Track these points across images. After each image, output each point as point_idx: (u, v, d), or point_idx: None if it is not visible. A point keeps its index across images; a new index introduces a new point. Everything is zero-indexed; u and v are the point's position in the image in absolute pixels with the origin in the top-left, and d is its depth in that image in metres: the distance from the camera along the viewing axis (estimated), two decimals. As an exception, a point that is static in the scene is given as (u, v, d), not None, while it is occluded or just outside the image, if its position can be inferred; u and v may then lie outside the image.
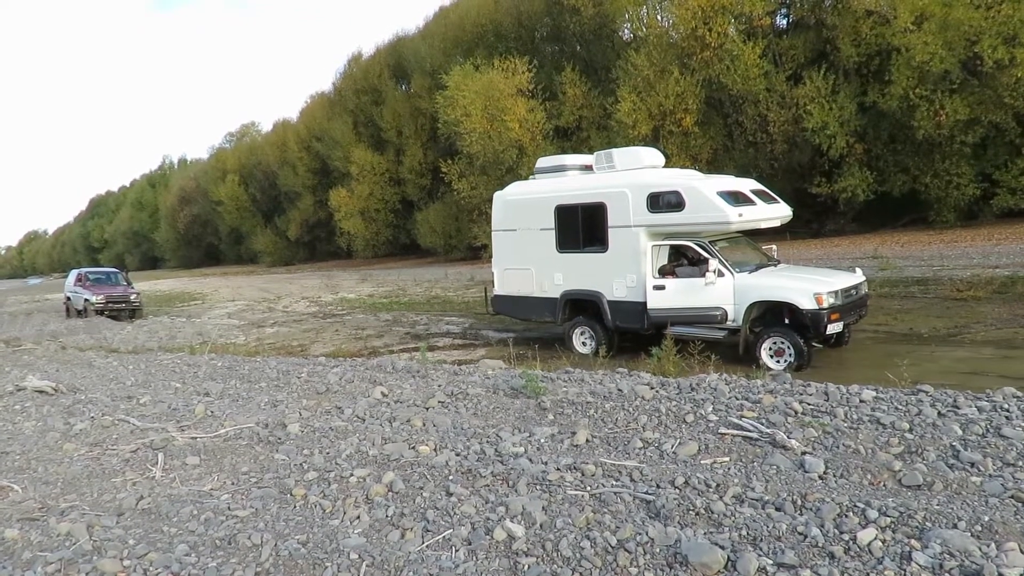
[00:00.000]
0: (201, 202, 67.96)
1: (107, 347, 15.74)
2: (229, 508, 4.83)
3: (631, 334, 10.72)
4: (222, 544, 4.26)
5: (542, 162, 12.44)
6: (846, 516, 3.85)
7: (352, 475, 5.18)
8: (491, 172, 31.48)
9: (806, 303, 8.72)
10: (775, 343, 9.06)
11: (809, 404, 5.96)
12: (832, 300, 8.76)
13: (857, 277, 9.69)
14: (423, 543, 4.11)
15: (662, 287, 9.94)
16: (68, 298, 26.06)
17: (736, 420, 5.67)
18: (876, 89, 23.25)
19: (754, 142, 26.05)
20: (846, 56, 23.90)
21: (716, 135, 27.25)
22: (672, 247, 10.35)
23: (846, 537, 3.65)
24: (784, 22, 29.52)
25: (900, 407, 5.76)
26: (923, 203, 24.34)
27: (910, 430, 5.22)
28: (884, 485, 4.39)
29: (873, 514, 3.81)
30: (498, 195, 12.59)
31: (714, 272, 9.38)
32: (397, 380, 8.69)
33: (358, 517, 4.55)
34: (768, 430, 5.33)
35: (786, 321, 9.10)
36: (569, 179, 11.63)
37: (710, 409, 6.04)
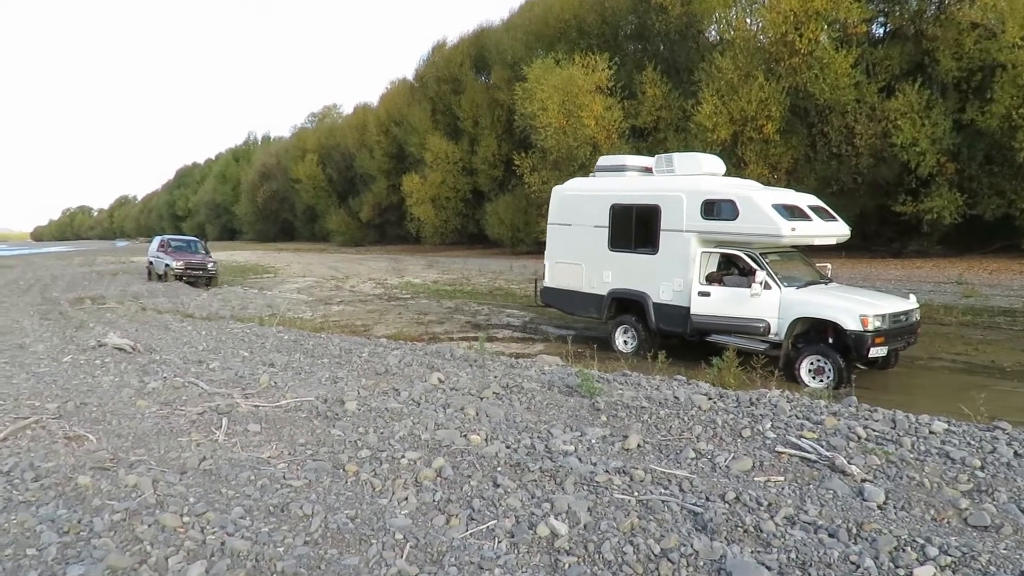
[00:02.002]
0: (280, 179, 70.01)
1: (183, 312, 16.46)
2: (284, 477, 5.00)
3: (677, 339, 10.80)
4: (275, 511, 4.41)
5: (603, 160, 12.61)
6: (904, 550, 3.70)
7: (404, 457, 5.28)
8: (564, 168, 31.33)
9: (851, 324, 8.62)
10: (815, 361, 8.98)
11: (874, 430, 5.74)
12: (878, 324, 8.62)
13: (909, 303, 9.50)
14: (467, 531, 4.16)
15: (707, 294, 9.95)
16: (151, 262, 27.35)
17: (795, 439, 5.52)
18: (975, 107, 22.04)
19: (838, 154, 25.08)
20: (945, 70, 22.75)
21: (798, 145, 26.37)
22: (723, 256, 10.32)
23: (902, 572, 3.51)
24: (881, 31, 28.27)
25: (973, 443, 5.49)
26: (1018, 229, 22.98)
27: (982, 468, 4.97)
28: (948, 522, 4.20)
29: (933, 551, 3.65)
30: (556, 189, 12.77)
31: (760, 284, 9.33)
32: (454, 368, 8.79)
33: (406, 498, 4.64)
34: (828, 453, 5.16)
35: (829, 340, 8.99)
36: (627, 179, 11.74)
37: (768, 425, 5.90)
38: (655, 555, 3.76)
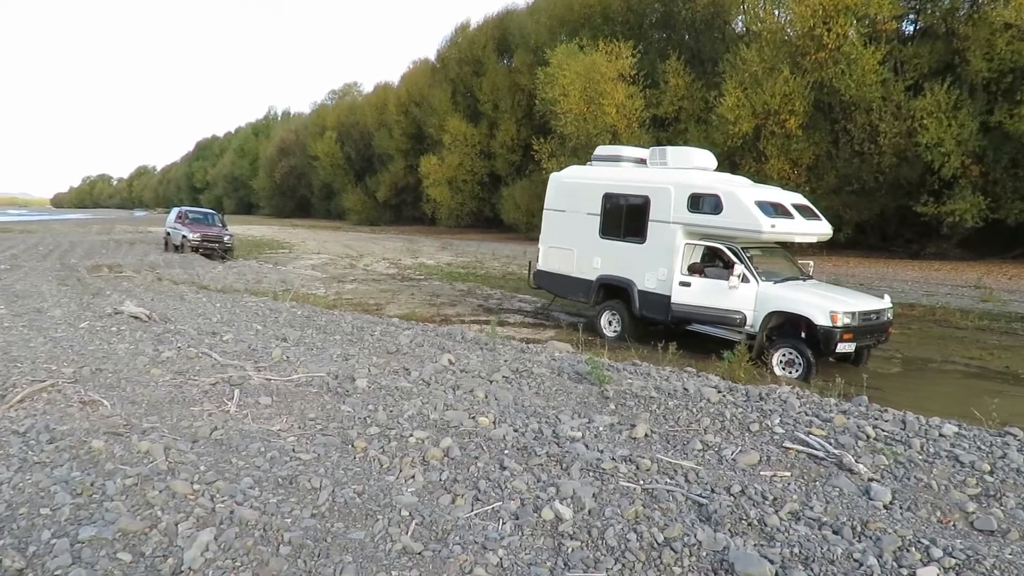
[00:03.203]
0: (298, 155, 70.14)
1: (198, 283, 16.60)
2: (294, 450, 5.06)
3: (658, 326, 11.32)
4: (284, 483, 4.47)
5: (600, 151, 13.02)
6: (908, 550, 3.70)
7: (412, 436, 5.32)
8: (582, 155, 31.10)
9: (821, 319, 8.98)
10: (787, 353, 9.32)
11: (883, 430, 5.72)
12: (847, 320, 8.95)
13: (882, 303, 9.81)
14: (472, 511, 4.20)
15: (688, 284, 10.34)
16: (168, 233, 27.57)
17: (803, 436, 5.51)
18: (1004, 109, 21.66)
19: (860, 152, 24.78)
20: (975, 70, 22.36)
21: (820, 141, 26.07)
22: (707, 248, 10.69)
23: (905, 572, 3.51)
24: (911, 28, 27.80)
25: (983, 447, 5.45)
26: (1040, 236, 22.71)
27: (991, 472, 4.94)
28: (954, 525, 4.19)
29: (937, 553, 3.65)
30: (554, 176, 13.27)
31: (738, 277, 9.71)
32: (465, 350, 8.83)
33: (413, 477, 4.69)
34: (836, 451, 5.16)
35: (802, 335, 9.31)
36: (622, 170, 12.09)
37: (777, 421, 5.89)
38: (658, 543, 3.78)
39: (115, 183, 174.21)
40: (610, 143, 28.48)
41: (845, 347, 9.01)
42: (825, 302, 9.17)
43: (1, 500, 4.08)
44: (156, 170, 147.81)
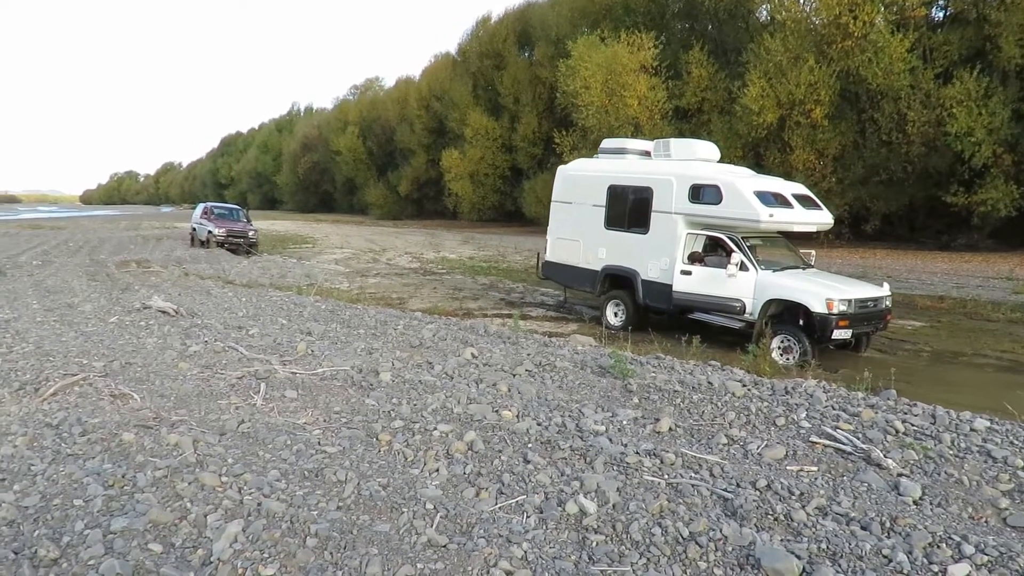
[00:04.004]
0: (321, 150, 70.60)
1: (224, 278, 16.80)
2: (319, 443, 5.11)
3: (663, 315, 11.52)
4: (310, 476, 4.51)
5: (606, 143, 13.20)
6: (938, 547, 3.64)
7: (436, 429, 5.35)
8: (604, 148, 31.04)
9: (817, 306, 9.11)
10: (784, 340, 9.45)
11: (913, 425, 5.64)
12: (843, 308, 9.10)
13: (880, 290, 9.92)
14: (496, 504, 4.21)
15: (689, 272, 10.55)
16: (194, 228, 27.93)
17: (830, 430, 5.44)
18: (1037, 96, 21.21)
19: (888, 142, 24.35)
20: (1007, 57, 21.85)
21: (847, 131, 25.66)
22: (708, 238, 10.84)
23: (936, 568, 3.46)
24: (940, 15, 27.23)
25: (1016, 442, 5.35)
26: (1075, 226, 22.18)
27: (1024, 468, 4.85)
28: (986, 522, 4.12)
29: (969, 549, 3.59)
30: (560, 168, 13.47)
31: (736, 265, 9.89)
32: (488, 344, 8.84)
33: (437, 470, 4.71)
34: (864, 445, 5.09)
35: (800, 322, 9.43)
36: (627, 162, 12.27)
37: (803, 415, 5.82)
38: (683, 538, 3.76)
39: (142, 179, 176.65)
40: (632, 135, 28.31)
41: (841, 334, 9.15)
42: (821, 290, 9.30)
43: (36, 491, 4.17)
44: (182, 166, 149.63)
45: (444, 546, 3.67)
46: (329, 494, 4.27)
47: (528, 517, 4.05)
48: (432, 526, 3.87)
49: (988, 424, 5.72)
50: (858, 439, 5.26)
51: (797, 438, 5.38)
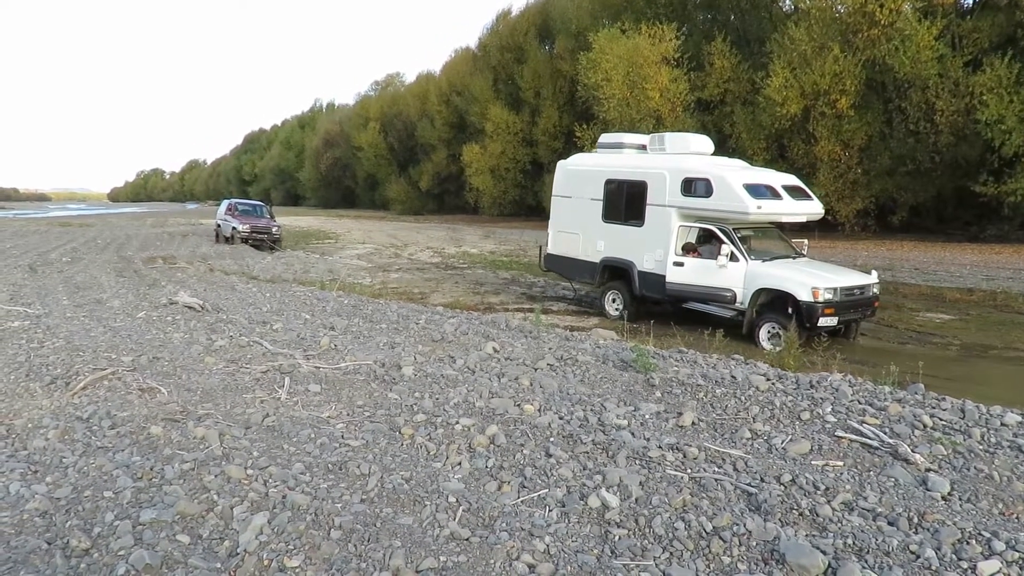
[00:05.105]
0: (343, 146, 70.97)
1: (248, 274, 16.99)
2: (343, 437, 5.15)
3: (658, 305, 11.94)
4: (334, 469, 4.56)
5: (604, 138, 13.63)
6: (968, 543, 3.58)
7: (458, 423, 5.36)
8: (625, 141, 30.84)
9: (803, 295, 9.46)
10: (772, 328, 9.86)
11: (941, 420, 5.54)
12: (829, 296, 9.43)
13: (867, 278, 10.24)
14: (518, 498, 4.22)
15: (681, 264, 10.91)
16: (218, 225, 28.26)
17: (856, 425, 5.37)
18: (1070, 83, 20.67)
19: (916, 131, 23.90)
20: (1039, 43, 21.36)
21: (873, 121, 25.23)
22: (701, 230, 11.05)
23: (965, 565, 3.40)
24: (969, 1, 26.64)
25: (1048, 437, 5.23)
26: (1109, 216, 21.62)
27: (1056, 463, 4.74)
28: (1017, 518, 4.04)
29: (1000, 546, 3.52)
30: (560, 163, 13.92)
31: (726, 256, 10.22)
32: (509, 338, 8.85)
33: (459, 463, 4.72)
34: (891, 440, 5.02)
35: (788, 310, 9.69)
36: (623, 156, 12.64)
37: (829, 409, 5.75)
38: (707, 532, 3.74)
39: (168, 177, 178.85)
40: (654, 128, 28.16)
41: (827, 321, 9.46)
42: (808, 279, 9.62)
43: (67, 483, 4.26)
44: (206, 163, 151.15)
45: (467, 539, 3.69)
46: (353, 487, 4.31)
47: (550, 511, 4.05)
48: (455, 519, 3.89)
49: (1019, 419, 5.60)
50: (885, 434, 5.18)
51: (822, 432, 5.32)
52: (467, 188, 48.24)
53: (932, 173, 24.20)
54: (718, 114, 30.56)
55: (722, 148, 28.72)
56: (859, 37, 24.13)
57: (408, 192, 60.16)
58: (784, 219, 10.93)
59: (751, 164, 19.65)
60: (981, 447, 5.01)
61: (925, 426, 5.38)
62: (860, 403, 5.96)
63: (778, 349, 9.41)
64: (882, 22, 23.36)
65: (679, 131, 21.95)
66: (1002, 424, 5.48)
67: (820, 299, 9.36)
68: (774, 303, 10.00)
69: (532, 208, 46.13)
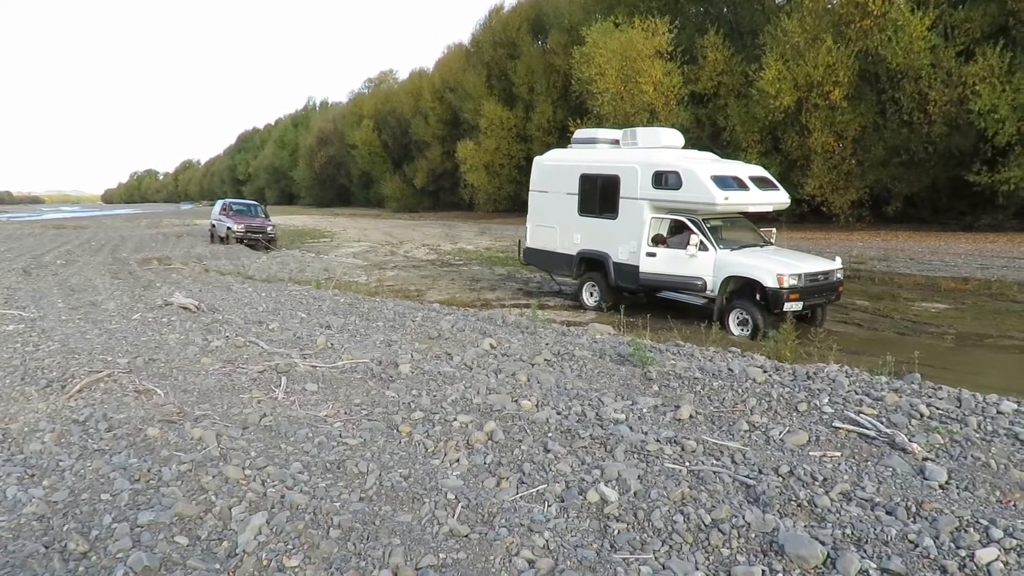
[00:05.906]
0: (337, 144, 70.74)
1: (244, 273, 16.95)
2: (340, 435, 5.14)
3: (632, 295, 12.28)
4: (332, 467, 4.55)
5: (578, 134, 13.97)
6: (966, 531, 3.60)
7: (456, 420, 5.36)
8: (620, 135, 30.80)
9: (769, 281, 9.76)
10: (740, 314, 10.19)
11: (938, 409, 5.56)
12: (793, 282, 9.73)
13: (831, 264, 10.56)
14: (517, 494, 4.22)
15: (653, 254, 11.23)
16: (213, 225, 28.17)
17: (853, 415, 5.39)
18: (1063, 71, 20.71)
19: (909, 122, 23.95)
20: (1031, 32, 21.38)
21: (867, 112, 25.26)
22: (673, 221, 11.34)
23: (963, 553, 3.41)
24: (961, -9, 26.65)
25: (1044, 424, 5.25)
26: (1103, 204, 21.68)
27: (1053, 450, 4.76)
28: (1015, 505, 4.05)
29: (997, 533, 3.54)
30: (537, 159, 14.22)
31: (696, 246, 10.53)
32: (506, 334, 8.84)
33: (458, 460, 4.72)
34: (888, 430, 5.03)
35: (756, 297, 10.00)
36: (597, 151, 12.90)
37: (826, 400, 5.77)
38: (706, 525, 3.74)
39: (161, 177, 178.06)
40: (648, 122, 28.16)
41: (792, 306, 9.73)
42: (772, 265, 9.93)
43: (64, 486, 4.25)
44: (200, 163, 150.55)
45: (466, 536, 3.69)
46: (351, 485, 4.30)
47: (549, 506, 4.06)
48: (454, 516, 3.89)
49: (1015, 407, 5.62)
50: (882, 423, 5.20)
51: (820, 423, 5.33)
52: (462, 185, 48.15)
53: (926, 163, 24.26)
54: (712, 107, 30.56)
55: (716, 141, 28.83)
56: (852, 28, 24.15)
57: (403, 189, 60.03)
58: (751, 209, 11.24)
59: (745, 157, 19.59)
60: (978, 435, 5.03)
61: (922, 415, 5.39)
62: (857, 393, 5.98)
63: (746, 334, 9.87)
64: (874, 13, 23.37)
65: (673, 125, 22.01)
66: (998, 412, 5.50)
67: (785, 285, 9.66)
68: (742, 290, 10.29)
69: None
